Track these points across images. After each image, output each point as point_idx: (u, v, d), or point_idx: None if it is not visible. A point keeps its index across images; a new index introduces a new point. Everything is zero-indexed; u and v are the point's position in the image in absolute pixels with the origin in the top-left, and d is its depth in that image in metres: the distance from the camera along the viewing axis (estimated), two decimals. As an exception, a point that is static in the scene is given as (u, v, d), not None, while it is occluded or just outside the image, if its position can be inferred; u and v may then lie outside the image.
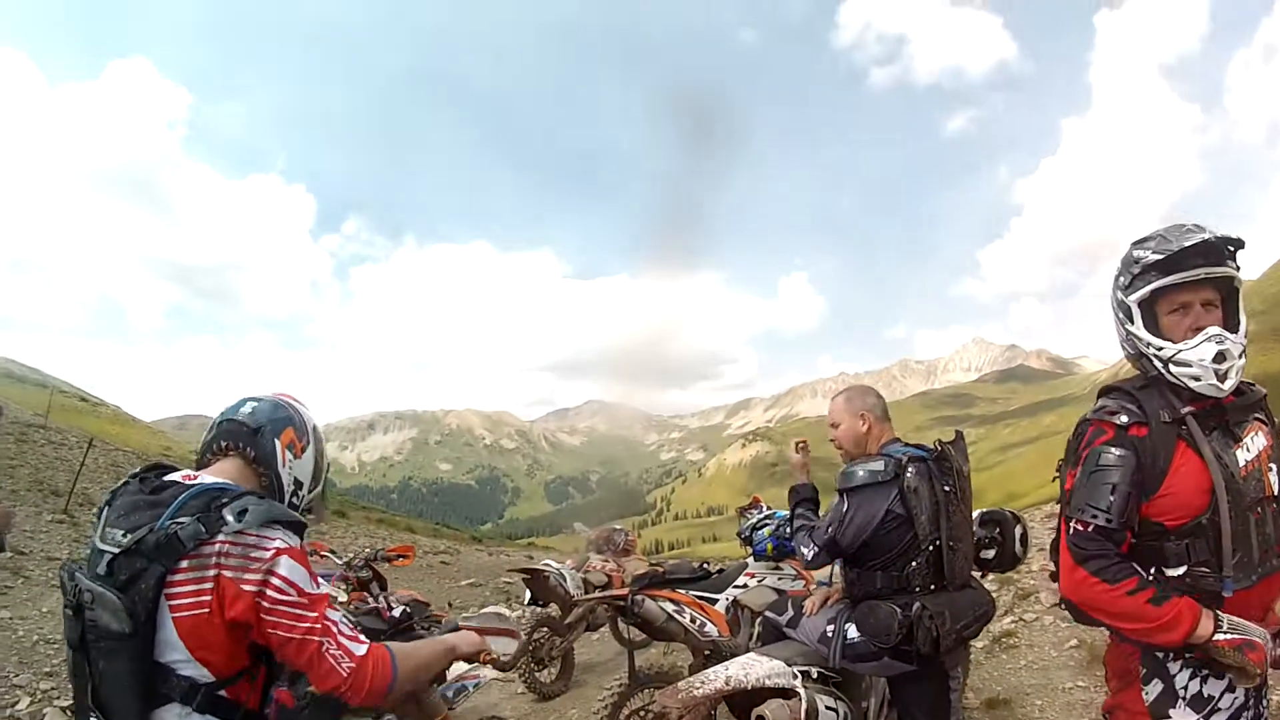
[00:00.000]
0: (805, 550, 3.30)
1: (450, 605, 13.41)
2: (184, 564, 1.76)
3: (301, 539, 1.93)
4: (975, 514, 4.03)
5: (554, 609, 7.58)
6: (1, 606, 8.76)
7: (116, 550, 1.79)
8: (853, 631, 3.24)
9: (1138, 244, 2.28)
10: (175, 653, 1.77)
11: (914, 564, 3.13)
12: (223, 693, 1.82)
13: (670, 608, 4.86)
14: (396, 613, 2.96)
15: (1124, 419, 2.21)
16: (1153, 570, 2.19)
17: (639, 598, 4.85)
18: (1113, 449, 2.18)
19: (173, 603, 1.75)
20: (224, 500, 1.84)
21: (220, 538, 1.77)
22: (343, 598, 3.24)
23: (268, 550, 1.80)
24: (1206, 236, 2.15)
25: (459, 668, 3.45)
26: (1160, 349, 2.19)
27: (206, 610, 1.76)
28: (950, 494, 3.17)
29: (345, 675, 1.83)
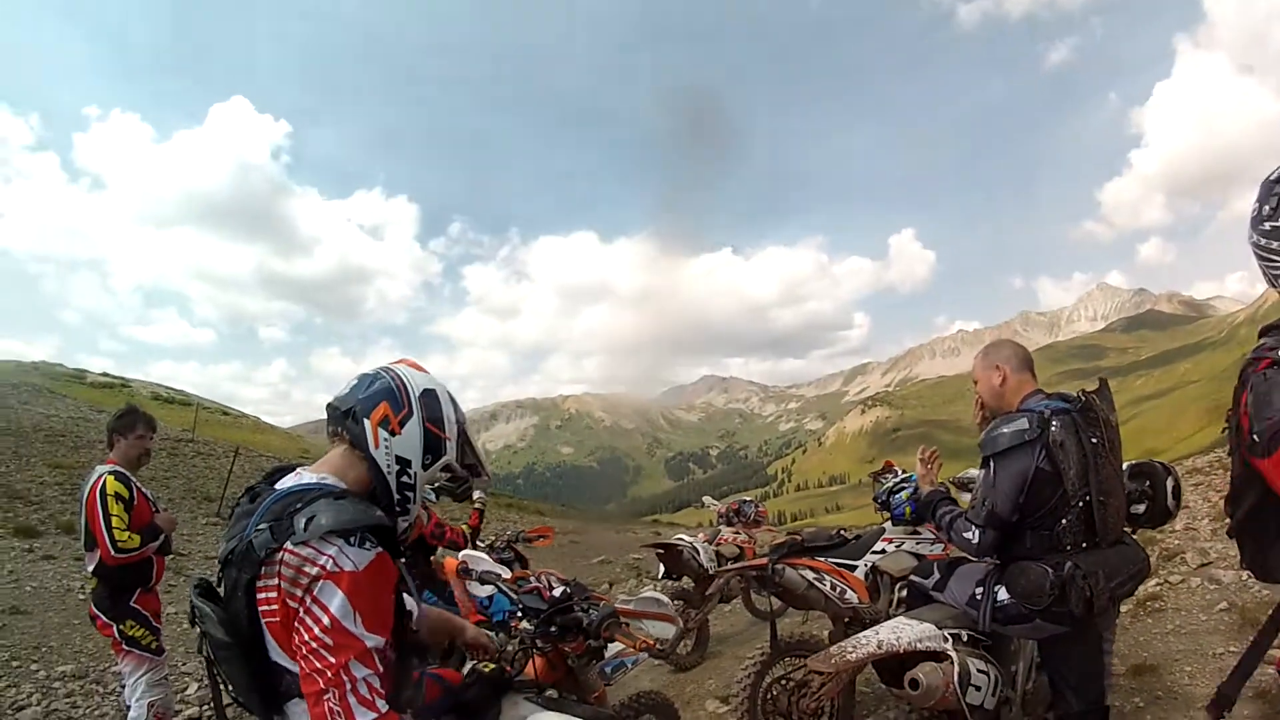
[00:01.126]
0: (968, 536, 3.15)
1: (610, 585, 13.66)
2: (264, 571, 1.75)
3: (386, 544, 1.82)
4: (1124, 466, 3.88)
5: (688, 582, 7.64)
6: (168, 603, 9.40)
7: (220, 562, 1.87)
8: (1003, 594, 3.14)
9: (1271, 175, 2.14)
10: (278, 654, 1.80)
11: (1064, 521, 3.02)
12: None
13: (810, 575, 4.84)
14: (557, 593, 3.03)
15: None
16: None
17: (779, 566, 4.85)
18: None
19: (262, 609, 1.77)
20: (298, 505, 1.79)
21: (288, 545, 1.72)
22: (506, 574, 3.34)
23: (315, 567, 1.71)
24: None
25: (616, 646, 3.52)
26: None
27: (279, 618, 1.75)
28: (1098, 446, 3.02)
29: None
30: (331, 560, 1.71)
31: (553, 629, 2.87)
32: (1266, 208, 2.14)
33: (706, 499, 10.64)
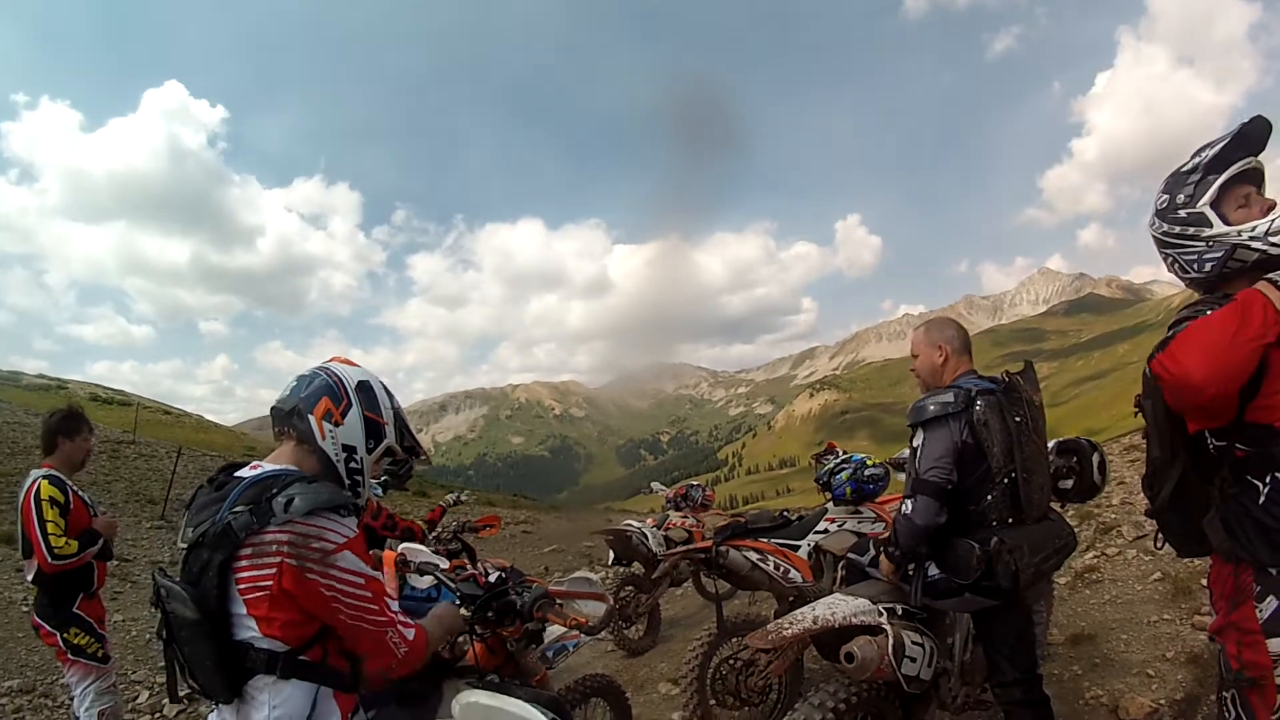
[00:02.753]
0: (905, 508, 3.18)
1: (547, 570, 13.72)
2: (245, 551, 1.89)
3: (356, 518, 2.03)
4: (1051, 444, 3.97)
5: (638, 567, 7.71)
6: (115, 610, 9.22)
7: (186, 547, 1.98)
8: (933, 569, 3.24)
9: (1180, 167, 2.27)
10: (249, 630, 1.90)
11: (989, 498, 3.11)
12: (303, 657, 1.94)
13: (754, 556, 4.94)
14: (492, 578, 3.07)
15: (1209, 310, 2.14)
16: (1269, 478, 2.10)
17: (723, 548, 4.93)
18: None
19: (240, 586, 1.89)
20: (274, 490, 1.93)
21: (272, 527, 1.88)
22: (444, 564, 3.36)
23: (330, 544, 1.92)
24: (1237, 130, 2.17)
25: (556, 630, 3.56)
26: (1254, 229, 2.12)
27: (268, 592, 1.88)
28: (1021, 425, 3.13)
29: (400, 656, 2.06)
30: (335, 533, 1.94)
31: (489, 614, 2.91)
32: (1181, 196, 2.24)
33: (654, 484, 10.71)
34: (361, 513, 2.22)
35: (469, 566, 3.31)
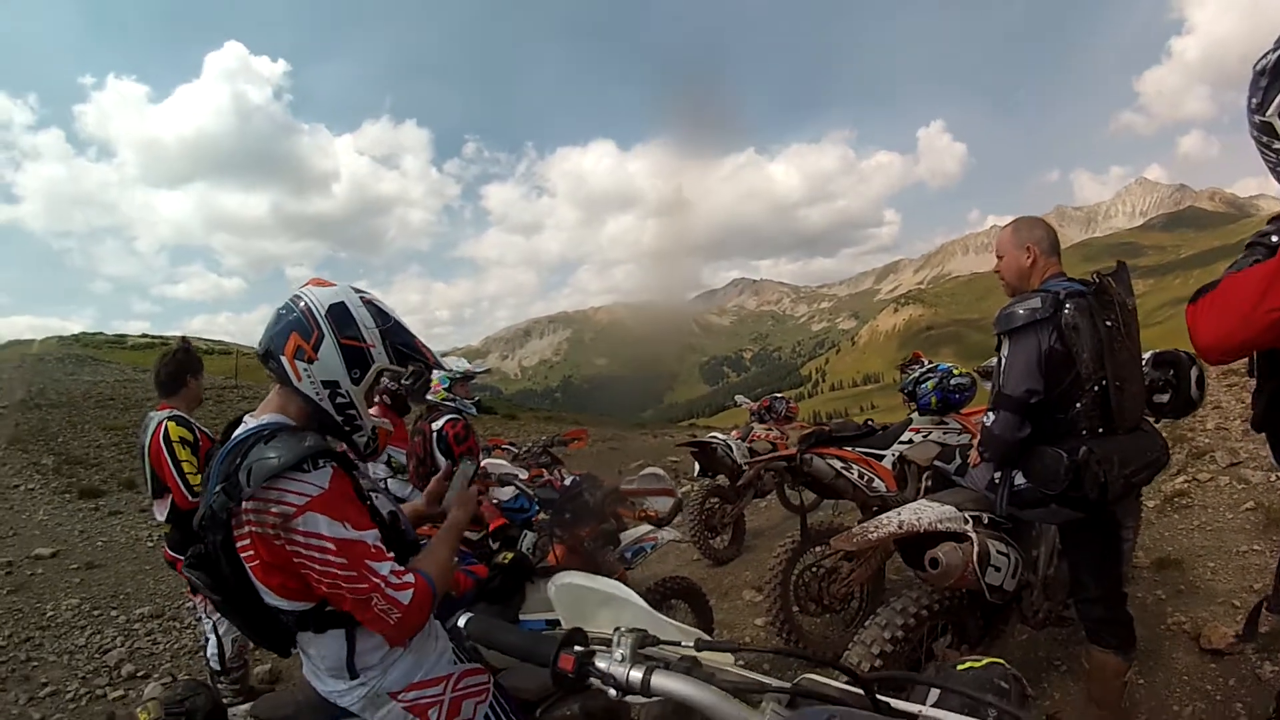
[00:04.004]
0: (987, 419, 3.12)
1: (619, 472, 14.06)
2: (235, 530, 1.84)
3: (328, 467, 1.85)
4: (1147, 355, 3.81)
5: (723, 479, 7.78)
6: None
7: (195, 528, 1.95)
8: (1020, 478, 3.15)
9: (1256, 63, 2.03)
10: (271, 598, 1.90)
11: (1079, 406, 2.99)
12: (330, 609, 1.90)
13: (838, 464, 4.92)
14: (568, 482, 3.15)
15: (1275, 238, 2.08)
16: None
17: (807, 456, 4.93)
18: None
19: (243, 558, 1.86)
20: (238, 460, 1.82)
21: (243, 503, 1.79)
22: (523, 475, 3.45)
23: (289, 507, 1.78)
24: None
25: (635, 531, 3.64)
26: None
27: (258, 562, 1.84)
28: (1113, 329, 2.97)
29: (391, 624, 1.84)
30: (295, 495, 1.79)
31: (566, 516, 2.98)
32: (1254, 99, 2.04)
33: (739, 397, 10.74)
34: (370, 447, 2.16)
35: (545, 474, 3.40)
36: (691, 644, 1.27)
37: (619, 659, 1.21)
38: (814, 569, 4.63)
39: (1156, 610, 4.38)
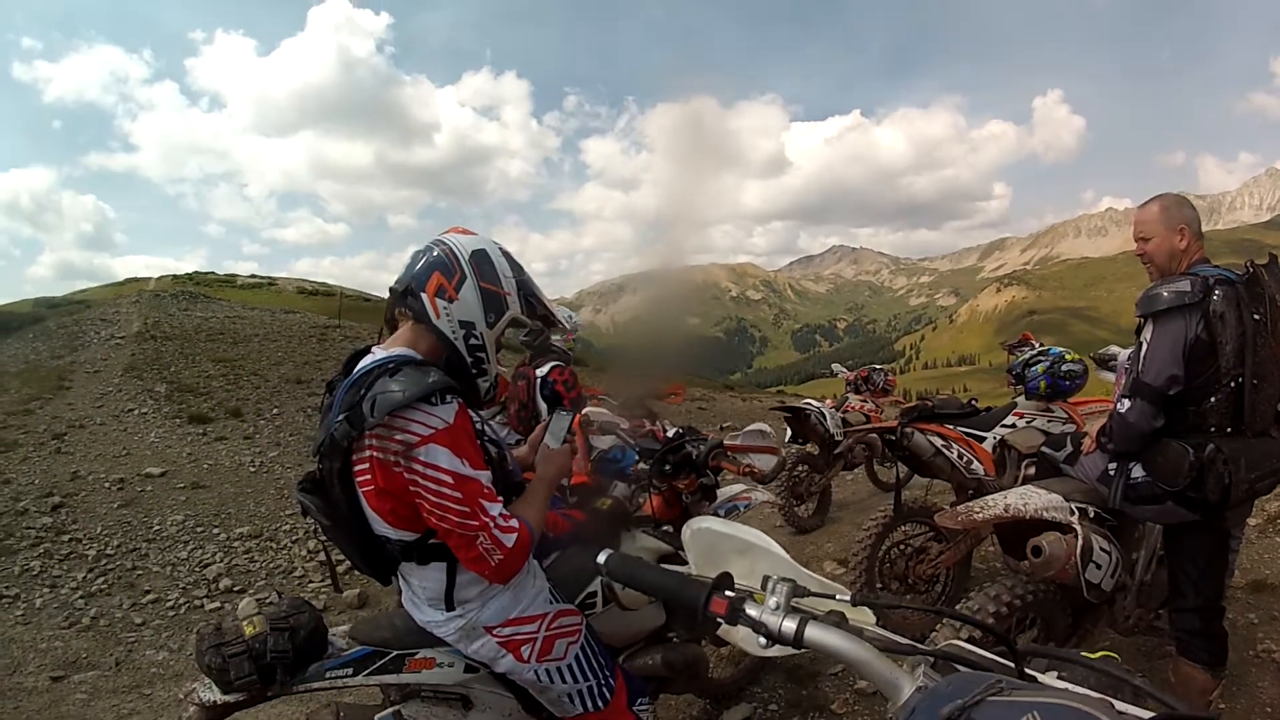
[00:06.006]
0: (1121, 406, 2.97)
1: (721, 428, 14.05)
2: (354, 457, 1.92)
3: (454, 403, 1.90)
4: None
5: (813, 447, 7.71)
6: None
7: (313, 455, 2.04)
8: (1138, 471, 3.01)
9: None
10: (380, 525, 1.98)
11: (1212, 400, 2.83)
12: (434, 541, 1.97)
13: (938, 442, 4.82)
14: (670, 434, 3.16)
15: None
16: None
17: (908, 430, 4.84)
18: None
19: (360, 488, 1.94)
20: (363, 391, 1.88)
21: (366, 431, 1.85)
22: (624, 424, 3.48)
23: (414, 436, 1.84)
24: None
25: (731, 490, 3.64)
26: None
27: (373, 487, 1.91)
28: (1260, 324, 2.80)
29: (493, 566, 1.90)
30: (420, 425, 1.84)
31: (666, 467, 3.00)
32: None
33: (835, 366, 10.57)
34: (490, 394, 2.20)
35: (648, 425, 3.40)
36: (846, 598, 1.24)
37: (773, 607, 1.18)
38: (902, 547, 4.57)
39: (1247, 634, 4.19)
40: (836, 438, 7.33)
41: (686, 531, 2.17)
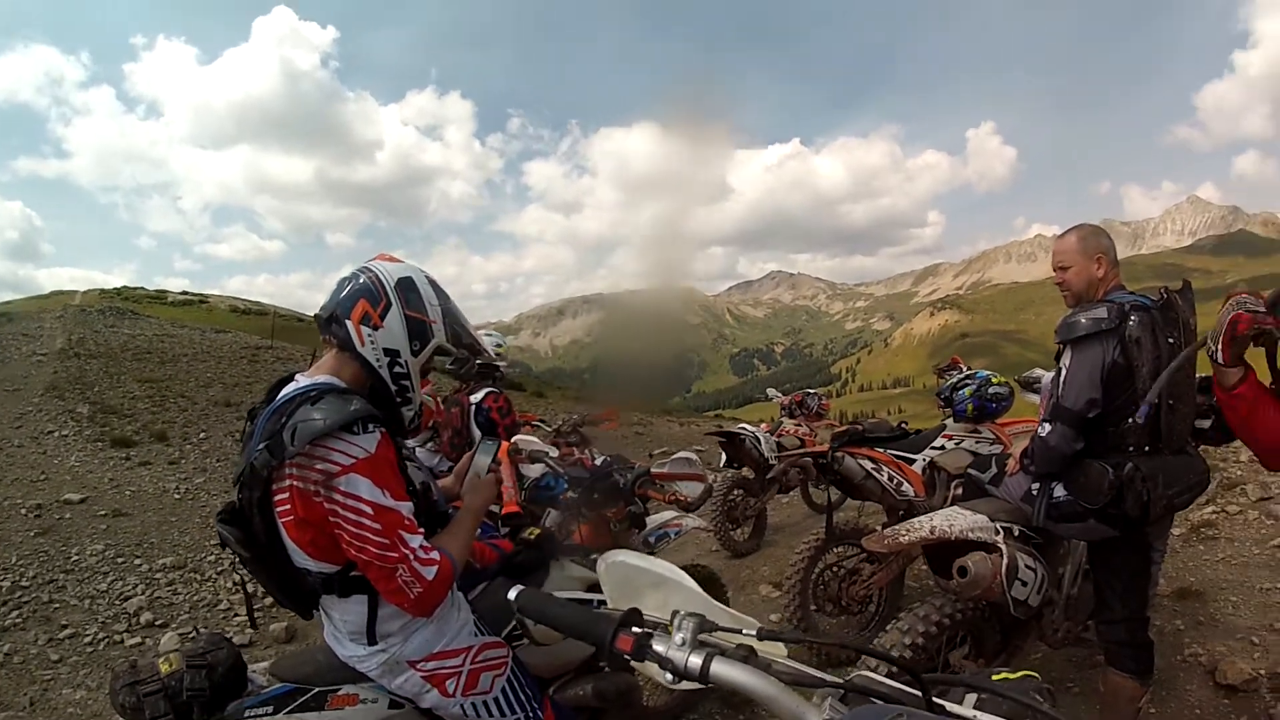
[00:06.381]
0: (1042, 430, 3.07)
1: (650, 455, 14.06)
2: (274, 487, 1.87)
3: (377, 432, 1.88)
4: (1196, 378, 3.77)
5: (749, 471, 7.76)
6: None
7: (233, 484, 1.99)
8: (1060, 490, 3.10)
9: None
10: (300, 557, 1.93)
11: (1129, 422, 2.92)
12: (355, 573, 1.92)
13: (869, 465, 4.89)
14: (598, 462, 3.16)
15: None
16: None
17: (839, 454, 4.90)
18: None
19: (280, 519, 1.90)
20: (284, 419, 1.85)
21: (286, 459, 1.82)
22: (554, 452, 3.47)
23: (335, 465, 1.81)
24: None
25: (661, 516, 3.65)
26: None
27: (293, 517, 1.87)
28: (1175, 347, 2.93)
29: (413, 599, 1.87)
30: (341, 454, 1.82)
31: (595, 495, 3.00)
32: None
33: (770, 390, 10.69)
34: (415, 422, 2.17)
35: (576, 452, 3.41)
36: (753, 632, 1.25)
37: (679, 643, 1.18)
38: (835, 569, 4.62)
39: (1174, 640, 4.33)
40: (771, 462, 7.39)
41: (601, 565, 2.18)
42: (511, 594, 1.46)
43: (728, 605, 4.20)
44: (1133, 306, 2.95)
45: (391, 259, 2.15)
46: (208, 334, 24.13)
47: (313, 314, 2.13)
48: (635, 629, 1.24)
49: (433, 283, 2.16)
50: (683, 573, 2.02)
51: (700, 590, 1.91)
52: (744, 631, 1.25)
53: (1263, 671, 3.87)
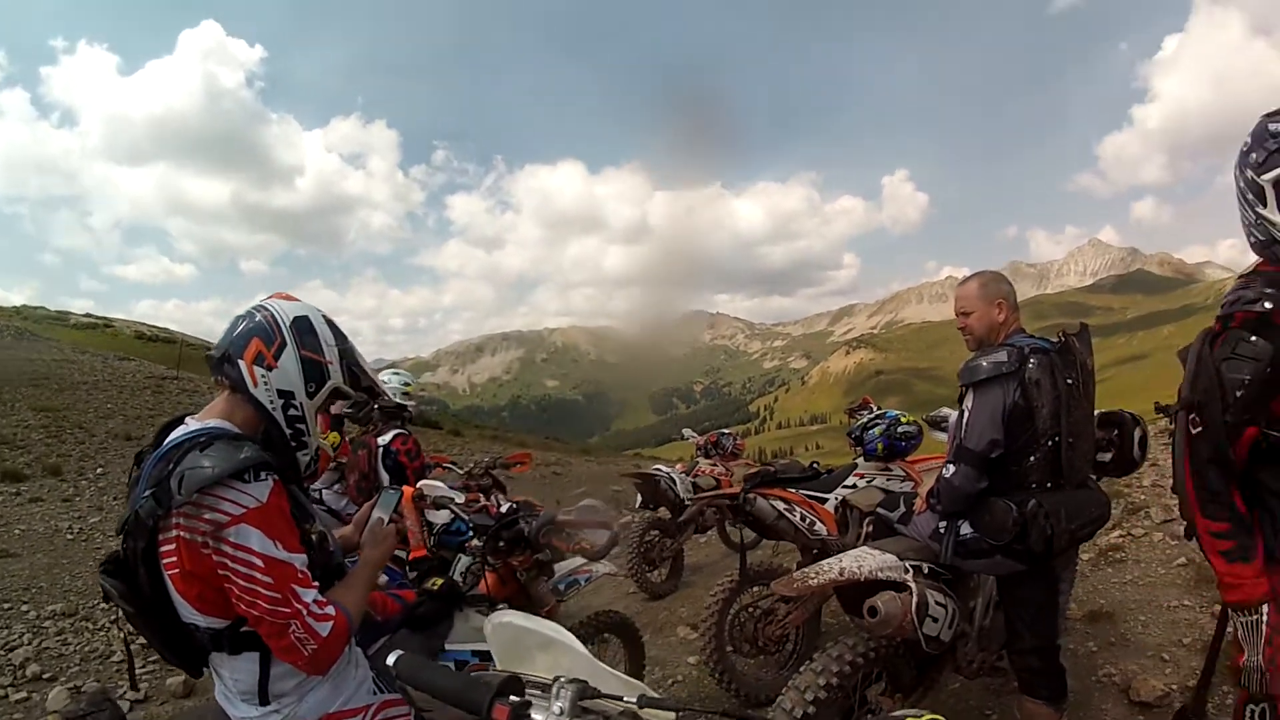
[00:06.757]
0: (947, 471, 3.14)
1: (558, 502, 13.97)
2: (161, 537, 1.77)
3: (269, 480, 1.81)
4: (1095, 414, 3.89)
5: (665, 512, 7.74)
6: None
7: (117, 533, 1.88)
8: (966, 528, 3.16)
9: (1272, 116, 2.07)
10: (188, 612, 1.82)
11: (1032, 459, 3.03)
12: (247, 629, 1.82)
13: (781, 506, 4.91)
14: (504, 509, 3.10)
15: (1267, 305, 2.04)
16: None
17: (751, 496, 4.92)
18: (1252, 336, 2.04)
19: (166, 570, 1.79)
20: (171, 466, 1.76)
21: (173, 509, 1.73)
22: (460, 498, 3.40)
23: (223, 516, 1.72)
24: None
25: (570, 563, 3.59)
26: None
27: (180, 570, 1.76)
28: (1073, 388, 3.03)
29: (307, 656, 1.78)
30: (231, 503, 1.73)
31: (500, 543, 2.94)
32: (1254, 155, 2.08)
33: (686, 431, 10.73)
34: (311, 469, 2.07)
35: (483, 498, 3.34)
36: (634, 699, 1.21)
37: (558, 712, 1.15)
38: (751, 609, 4.60)
39: (1088, 662, 4.43)
40: (686, 502, 7.38)
41: (487, 626, 2.12)
42: (390, 659, 1.40)
43: (644, 651, 4.14)
44: (1032, 350, 3.05)
45: (288, 298, 2.07)
46: (111, 361, 23.01)
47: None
48: (514, 697, 1.21)
49: (330, 322, 2.08)
50: (570, 635, 1.97)
51: (587, 653, 1.87)
52: (625, 699, 1.22)
53: (1174, 686, 3.98)
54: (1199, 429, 2.10)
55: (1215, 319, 2.20)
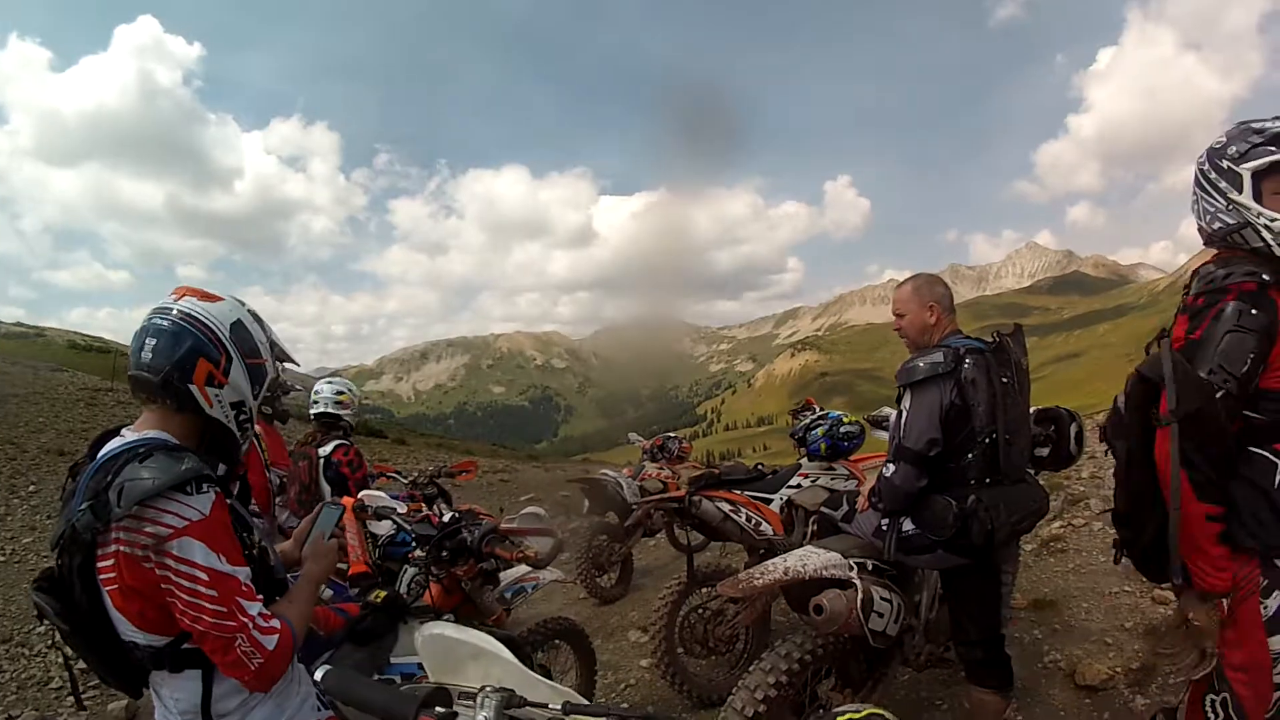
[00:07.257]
0: (887, 470, 3.20)
1: (501, 510, 13.86)
2: (98, 552, 1.73)
3: (211, 493, 1.77)
4: (1031, 411, 3.98)
5: (612, 516, 7.73)
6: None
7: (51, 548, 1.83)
8: (908, 525, 3.23)
9: (1254, 122, 2.23)
10: (127, 629, 1.78)
11: (970, 456, 3.09)
12: (188, 646, 1.79)
13: (726, 507, 4.96)
14: (446, 518, 3.08)
15: (1266, 277, 2.13)
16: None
17: (696, 498, 4.95)
18: (1254, 309, 2.10)
19: (105, 586, 1.75)
20: (109, 478, 1.71)
21: (112, 523, 1.68)
22: (402, 508, 3.37)
23: (165, 529, 1.68)
24: None
25: (516, 571, 3.58)
26: (1274, 220, 2.13)
27: (119, 585, 1.72)
28: (1008, 386, 3.12)
29: (254, 670, 1.75)
30: (174, 515, 1.69)
31: (444, 553, 2.93)
32: (1234, 148, 2.22)
33: (632, 435, 10.72)
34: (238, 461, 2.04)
35: (425, 507, 3.31)
36: (559, 706, 1.21)
37: None
38: (700, 611, 4.63)
39: (1034, 649, 4.53)
40: (633, 506, 7.39)
41: (418, 638, 2.12)
42: (319, 674, 1.39)
43: (594, 657, 4.14)
44: (967, 350, 3.13)
45: (204, 295, 1.96)
46: (42, 372, 22.33)
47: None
48: (440, 708, 1.22)
49: (256, 316, 2.05)
50: (499, 644, 1.98)
51: (516, 661, 1.88)
52: (550, 706, 1.23)
53: (1119, 669, 4.09)
54: (1200, 431, 2.09)
55: (1188, 299, 2.28)
